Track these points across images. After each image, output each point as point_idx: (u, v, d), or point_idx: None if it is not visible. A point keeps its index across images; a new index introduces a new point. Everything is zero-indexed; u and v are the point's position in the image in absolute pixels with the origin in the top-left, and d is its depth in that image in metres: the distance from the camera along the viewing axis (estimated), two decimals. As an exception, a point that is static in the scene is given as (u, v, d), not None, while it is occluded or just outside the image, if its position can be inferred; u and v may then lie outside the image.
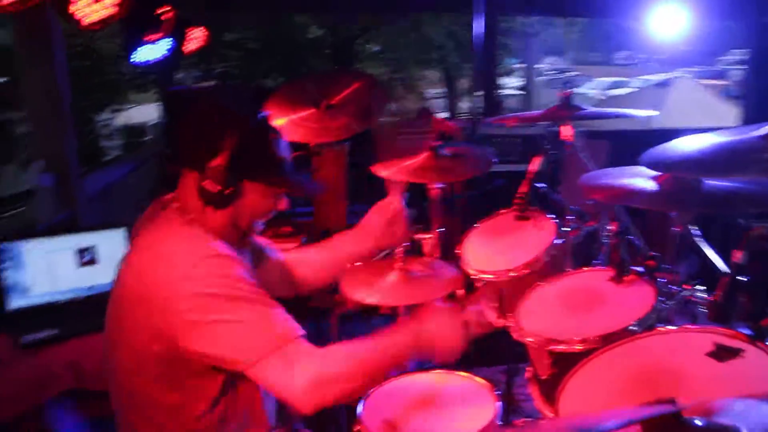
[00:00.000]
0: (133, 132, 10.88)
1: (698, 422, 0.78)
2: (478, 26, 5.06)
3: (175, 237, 1.41)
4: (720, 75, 23.19)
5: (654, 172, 1.59)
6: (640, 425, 0.76)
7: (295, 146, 2.69)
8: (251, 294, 1.36)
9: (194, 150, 1.41)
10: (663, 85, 10.65)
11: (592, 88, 21.04)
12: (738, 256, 1.32)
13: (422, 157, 2.37)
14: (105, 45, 9.36)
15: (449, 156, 2.39)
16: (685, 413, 0.81)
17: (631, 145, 1.48)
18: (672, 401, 0.80)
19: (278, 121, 2.62)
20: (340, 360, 1.38)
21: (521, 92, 17.50)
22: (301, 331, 1.38)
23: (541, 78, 22.40)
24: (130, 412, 1.44)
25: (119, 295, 1.42)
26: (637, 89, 17.23)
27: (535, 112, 2.47)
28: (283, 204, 1.53)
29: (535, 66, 19.44)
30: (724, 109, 10.46)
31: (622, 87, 21.16)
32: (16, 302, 2.18)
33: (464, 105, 16.00)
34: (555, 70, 26.18)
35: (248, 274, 1.41)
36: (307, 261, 1.93)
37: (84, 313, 2.14)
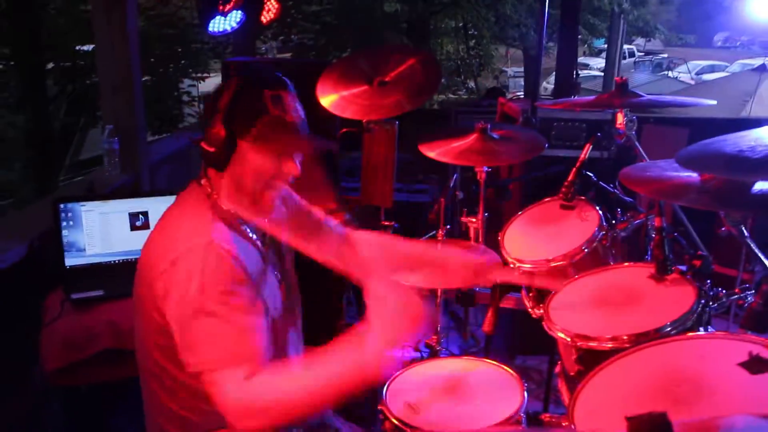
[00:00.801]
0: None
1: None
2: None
3: (183, 215, 1.45)
4: (830, 61, 21.46)
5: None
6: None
7: (346, 123, 2.71)
8: (223, 300, 1.33)
9: (206, 120, 1.44)
10: (762, 69, 9.90)
11: (683, 72, 19.95)
12: (781, 262, 1.22)
13: (470, 140, 2.33)
14: (189, 15, 9.68)
15: (498, 139, 2.33)
16: (685, 429, 0.76)
17: (715, 134, 1.37)
18: (663, 415, 0.75)
19: (330, 98, 2.62)
20: (277, 394, 1.30)
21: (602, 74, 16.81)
22: (257, 352, 1.34)
23: (628, 60, 21.44)
24: (148, 375, 1.50)
25: (139, 264, 1.49)
26: (730, 74, 16.19)
27: (587, 98, 2.36)
28: (294, 168, 1.46)
29: (626, 47, 18.62)
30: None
31: (717, 71, 19.95)
32: (71, 260, 2.30)
33: (549, 86, 15.54)
34: (645, 52, 24.99)
35: (237, 271, 1.37)
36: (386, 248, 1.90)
37: (130, 276, 2.24)
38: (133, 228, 2.38)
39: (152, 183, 3.39)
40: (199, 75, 10.05)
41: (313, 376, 1.30)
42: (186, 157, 4.22)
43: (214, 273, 1.33)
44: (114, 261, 2.36)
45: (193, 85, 10.18)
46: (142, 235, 2.35)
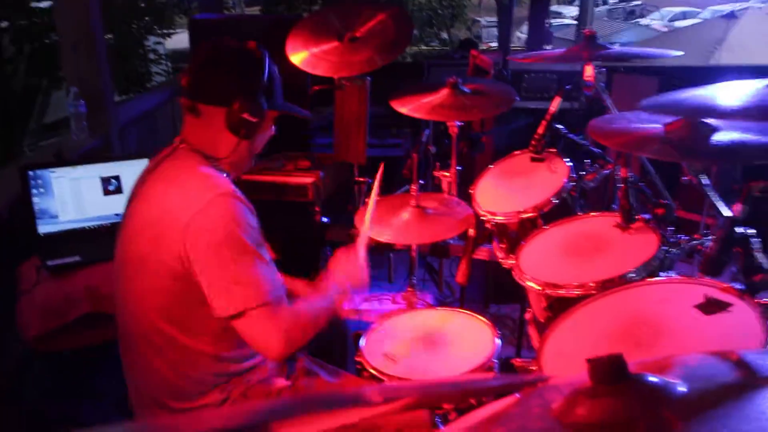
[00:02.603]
0: (181, 57, 10.95)
1: (650, 378, 0.79)
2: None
3: (194, 172, 1.47)
4: (800, 6, 21.58)
5: (666, 119, 1.53)
6: (590, 377, 0.78)
7: (317, 80, 2.69)
8: (254, 243, 1.42)
9: (226, 87, 1.48)
10: (730, 16, 9.95)
11: (655, 19, 19.91)
12: (737, 209, 1.28)
13: (442, 94, 2.34)
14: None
15: (469, 93, 2.34)
16: (642, 368, 0.81)
17: (684, 82, 1.41)
18: (620, 356, 0.80)
19: (300, 55, 2.60)
20: (304, 317, 1.48)
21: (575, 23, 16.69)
22: (284, 288, 1.48)
23: (602, 8, 21.30)
24: (139, 339, 1.51)
25: (133, 225, 1.49)
26: (701, 21, 16.21)
27: (556, 51, 2.37)
28: (272, 130, 1.63)
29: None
30: (794, 44, 9.78)
31: (690, 18, 19.94)
32: (44, 228, 2.28)
33: (522, 35, 15.35)
34: (619, -1, 24.82)
35: (255, 220, 1.47)
36: None
37: (107, 241, 2.23)
38: (106, 192, 2.36)
39: (122, 147, 3.34)
40: (164, 32, 9.78)
41: (313, 306, 1.54)
42: (155, 119, 4.15)
43: (243, 217, 1.42)
44: (89, 226, 2.35)
45: (159, 43, 9.91)
46: (116, 200, 2.36)
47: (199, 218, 1.38)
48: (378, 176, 1.97)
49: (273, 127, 1.62)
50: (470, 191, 2.24)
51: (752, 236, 1.27)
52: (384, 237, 2.11)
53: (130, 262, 1.49)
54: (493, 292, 3.38)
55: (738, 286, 1.30)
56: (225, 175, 1.53)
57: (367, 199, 2.29)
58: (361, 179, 2.78)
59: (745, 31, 9.57)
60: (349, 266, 1.68)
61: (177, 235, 1.39)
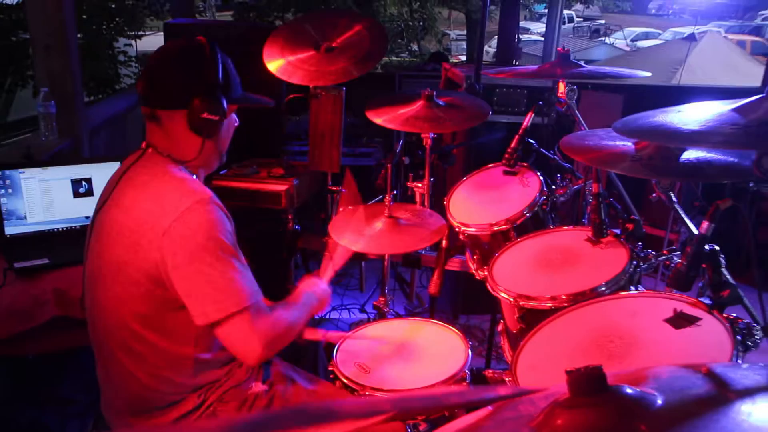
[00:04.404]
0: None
1: (628, 390, 0.80)
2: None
3: (168, 177, 1.46)
4: (757, 30, 22.41)
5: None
6: (569, 389, 0.79)
7: (293, 88, 2.70)
8: (232, 248, 1.42)
9: (181, 89, 1.46)
10: (691, 38, 10.26)
11: (619, 39, 20.45)
12: (704, 226, 1.32)
13: (417, 106, 2.36)
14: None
15: (443, 106, 2.37)
16: (617, 380, 0.83)
17: (648, 100, 1.46)
18: (599, 368, 0.82)
19: (276, 62, 2.60)
20: (283, 322, 1.50)
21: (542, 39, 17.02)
22: (260, 293, 1.47)
23: (567, 26, 21.78)
24: (115, 346, 1.49)
25: (108, 232, 1.46)
26: (662, 42, 16.70)
27: (530, 67, 2.42)
28: (237, 121, 1.63)
29: (565, 12, 18.88)
30: (750, 67, 10.13)
31: (651, 38, 20.54)
32: (11, 229, 2.23)
33: (491, 49, 15.56)
34: (583, 17, 25.45)
35: (231, 226, 1.46)
36: None
37: (76, 244, 2.19)
38: (76, 195, 2.32)
39: (91, 149, 3.29)
40: (134, 34, 9.64)
41: (291, 311, 1.55)
42: (124, 122, 4.09)
43: (221, 223, 1.41)
44: (58, 229, 2.31)
45: (129, 45, 9.76)
46: (86, 202, 2.33)
47: (177, 225, 1.37)
48: (338, 200, 2.04)
49: (236, 118, 1.61)
50: (444, 202, 2.27)
51: (719, 253, 1.31)
52: (357, 246, 2.12)
53: (107, 269, 1.46)
54: (462, 303, 3.41)
55: (706, 300, 1.34)
56: (195, 176, 1.53)
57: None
58: (335, 188, 2.79)
59: (705, 53, 9.89)
60: (315, 288, 1.74)
61: (155, 243, 1.37)
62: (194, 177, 1.53)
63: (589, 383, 0.75)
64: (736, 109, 1.15)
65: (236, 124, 1.62)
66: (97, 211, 1.54)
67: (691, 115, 1.18)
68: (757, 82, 5.99)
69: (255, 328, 1.40)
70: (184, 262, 1.37)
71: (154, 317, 1.43)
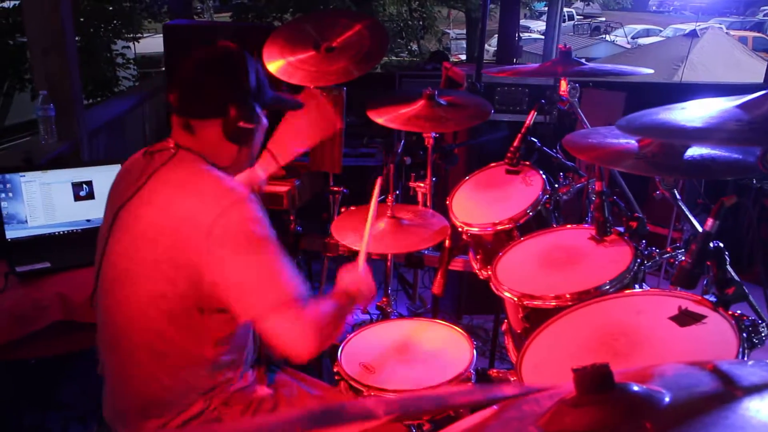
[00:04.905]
0: (149, 62, 10.80)
1: (635, 388, 0.80)
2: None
3: (205, 176, 1.45)
4: (758, 26, 22.41)
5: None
6: (576, 387, 0.78)
7: (293, 89, 2.68)
8: (271, 245, 1.42)
9: (216, 98, 1.47)
10: (692, 35, 10.27)
11: (619, 36, 20.44)
12: (709, 223, 1.31)
13: (418, 106, 2.36)
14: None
15: (445, 105, 2.37)
16: (624, 378, 0.83)
17: (650, 98, 1.45)
18: (606, 366, 0.81)
19: (276, 63, 2.59)
20: (330, 314, 1.48)
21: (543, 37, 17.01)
22: (305, 286, 1.45)
23: (567, 23, 21.78)
24: (136, 343, 1.47)
25: (142, 231, 1.43)
26: (663, 39, 16.69)
27: (531, 65, 2.42)
28: (266, 122, 1.61)
29: (565, 10, 18.91)
30: (752, 63, 10.13)
31: (652, 35, 20.53)
32: (13, 233, 2.23)
33: (491, 48, 15.57)
34: (583, 15, 25.44)
35: (268, 222, 1.45)
36: None
37: (78, 247, 2.19)
38: (77, 198, 2.32)
39: (90, 152, 3.28)
40: (132, 36, 9.63)
41: (334, 304, 1.53)
42: (123, 124, 4.09)
43: (262, 220, 1.41)
44: (59, 232, 2.30)
45: (128, 47, 9.76)
46: (87, 205, 2.32)
47: (221, 223, 1.36)
48: (376, 190, 1.95)
49: (266, 120, 1.60)
50: (447, 202, 2.26)
51: (725, 250, 1.31)
52: (358, 246, 2.11)
53: (139, 268, 1.43)
54: (465, 304, 3.41)
55: (711, 298, 1.33)
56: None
57: (352, 209, 2.29)
58: (336, 188, 2.78)
59: (707, 50, 9.90)
60: (353, 280, 1.66)
61: (197, 243, 1.36)
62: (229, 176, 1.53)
63: (596, 381, 0.75)
64: (740, 106, 1.14)
65: (266, 126, 1.61)
66: (116, 211, 1.49)
67: (695, 112, 1.18)
68: (759, 79, 5.98)
69: (305, 321, 1.39)
70: (229, 260, 1.37)
71: (184, 317, 1.42)
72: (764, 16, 24.33)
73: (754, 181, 3.75)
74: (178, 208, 1.41)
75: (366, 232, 1.85)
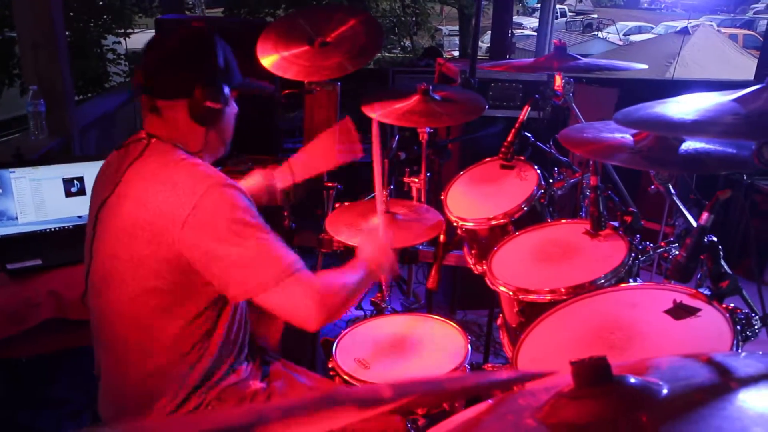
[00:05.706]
0: (140, 57, 10.73)
1: (632, 380, 0.80)
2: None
3: (178, 164, 1.43)
4: (748, 24, 22.53)
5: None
6: (573, 379, 0.78)
7: (287, 83, 2.67)
8: (257, 223, 1.40)
9: (182, 78, 1.45)
10: (684, 32, 10.31)
11: (612, 33, 20.50)
12: (704, 217, 1.32)
13: (412, 101, 2.35)
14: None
15: (439, 100, 2.36)
16: (619, 371, 0.83)
17: (642, 94, 1.45)
18: (604, 359, 0.81)
19: (270, 58, 2.57)
20: (336, 283, 1.48)
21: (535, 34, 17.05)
22: (300, 260, 1.44)
23: (560, 20, 21.81)
24: (129, 340, 1.46)
25: (123, 227, 1.42)
26: (655, 36, 16.76)
27: (525, 61, 2.41)
28: (236, 108, 1.60)
29: (558, 7, 18.93)
30: (743, 60, 10.18)
31: (644, 32, 20.59)
32: (2, 230, 2.19)
33: (483, 44, 15.56)
34: (575, 12, 25.49)
35: (251, 203, 1.44)
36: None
37: (69, 244, 2.17)
38: (68, 194, 2.29)
39: (81, 147, 3.26)
40: (123, 31, 9.56)
41: (344, 274, 1.53)
42: (114, 120, 4.06)
43: (241, 201, 1.40)
44: (50, 229, 2.27)
45: (118, 42, 9.68)
46: (79, 201, 2.30)
47: (198, 212, 1.35)
48: (374, 134, 1.97)
49: (235, 105, 1.59)
50: (441, 197, 2.26)
51: (718, 244, 1.31)
52: (354, 242, 2.10)
53: (125, 266, 1.42)
54: (459, 298, 3.41)
55: (705, 291, 1.34)
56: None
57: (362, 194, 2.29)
58: (330, 184, 2.77)
59: (698, 47, 9.94)
60: (374, 248, 1.67)
61: (176, 234, 1.35)
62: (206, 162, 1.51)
63: (593, 374, 0.75)
64: (736, 100, 1.14)
65: (235, 111, 1.60)
66: (98, 208, 1.49)
67: (691, 106, 1.18)
68: (749, 76, 6.02)
69: (308, 290, 1.39)
70: (211, 248, 1.35)
71: (174, 311, 1.42)
72: (754, 14, 24.47)
73: (745, 177, 3.78)
74: (154, 200, 1.39)
75: (377, 190, 1.88)
